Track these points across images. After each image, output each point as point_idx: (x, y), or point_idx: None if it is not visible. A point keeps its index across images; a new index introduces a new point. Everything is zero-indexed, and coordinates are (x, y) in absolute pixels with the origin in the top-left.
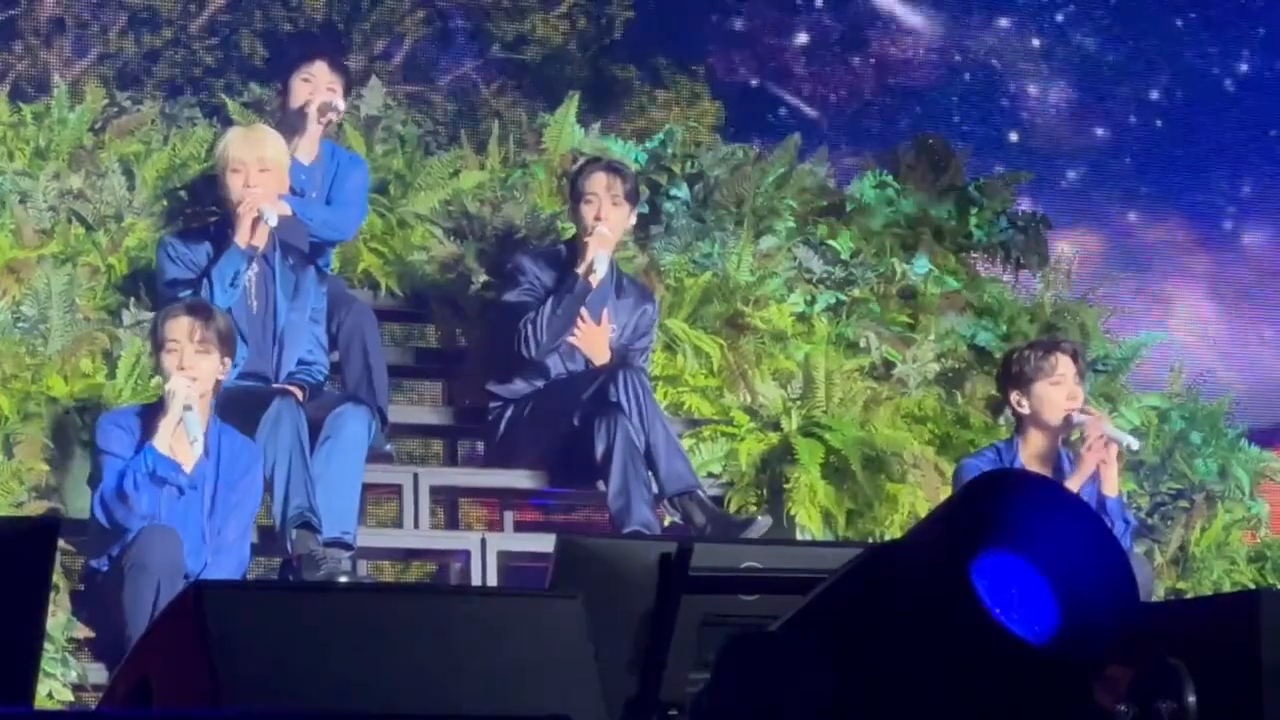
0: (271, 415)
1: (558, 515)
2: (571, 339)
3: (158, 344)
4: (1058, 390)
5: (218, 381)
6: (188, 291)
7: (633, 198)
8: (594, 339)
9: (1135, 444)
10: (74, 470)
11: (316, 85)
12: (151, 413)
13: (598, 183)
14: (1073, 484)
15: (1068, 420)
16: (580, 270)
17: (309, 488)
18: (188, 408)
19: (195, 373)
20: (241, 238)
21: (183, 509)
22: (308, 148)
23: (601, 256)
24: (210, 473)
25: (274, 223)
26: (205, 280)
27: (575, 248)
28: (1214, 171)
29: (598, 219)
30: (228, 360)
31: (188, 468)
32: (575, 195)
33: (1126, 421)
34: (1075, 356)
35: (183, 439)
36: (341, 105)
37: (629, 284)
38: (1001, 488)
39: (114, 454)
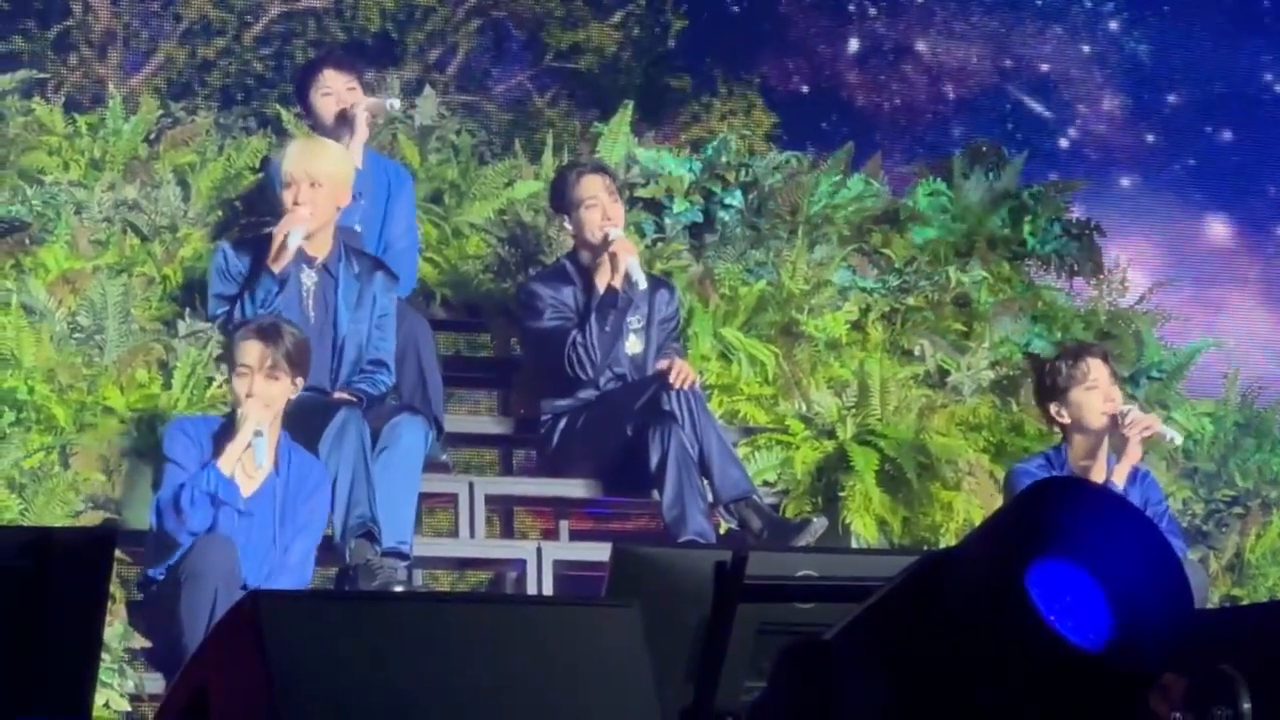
0: (336, 425)
1: (613, 524)
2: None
3: (230, 363)
4: (1094, 394)
5: (288, 399)
6: (224, 308)
7: (621, 192)
8: None
9: (1179, 438)
10: (130, 481)
11: (338, 93)
12: (223, 431)
13: (594, 184)
14: (1119, 472)
15: (1112, 421)
16: (616, 283)
17: (371, 497)
18: (258, 433)
19: (266, 399)
20: (273, 263)
21: (245, 526)
22: (356, 152)
23: (633, 264)
24: (279, 490)
25: (294, 244)
26: (240, 299)
27: (578, 259)
28: (1267, 177)
29: (606, 219)
30: (300, 380)
31: (247, 491)
32: (571, 204)
33: (1181, 428)
34: (1105, 358)
35: (249, 463)
36: (391, 102)
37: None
38: (1056, 495)
39: (177, 463)
